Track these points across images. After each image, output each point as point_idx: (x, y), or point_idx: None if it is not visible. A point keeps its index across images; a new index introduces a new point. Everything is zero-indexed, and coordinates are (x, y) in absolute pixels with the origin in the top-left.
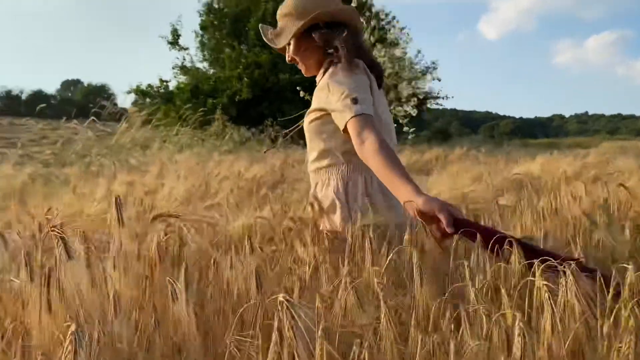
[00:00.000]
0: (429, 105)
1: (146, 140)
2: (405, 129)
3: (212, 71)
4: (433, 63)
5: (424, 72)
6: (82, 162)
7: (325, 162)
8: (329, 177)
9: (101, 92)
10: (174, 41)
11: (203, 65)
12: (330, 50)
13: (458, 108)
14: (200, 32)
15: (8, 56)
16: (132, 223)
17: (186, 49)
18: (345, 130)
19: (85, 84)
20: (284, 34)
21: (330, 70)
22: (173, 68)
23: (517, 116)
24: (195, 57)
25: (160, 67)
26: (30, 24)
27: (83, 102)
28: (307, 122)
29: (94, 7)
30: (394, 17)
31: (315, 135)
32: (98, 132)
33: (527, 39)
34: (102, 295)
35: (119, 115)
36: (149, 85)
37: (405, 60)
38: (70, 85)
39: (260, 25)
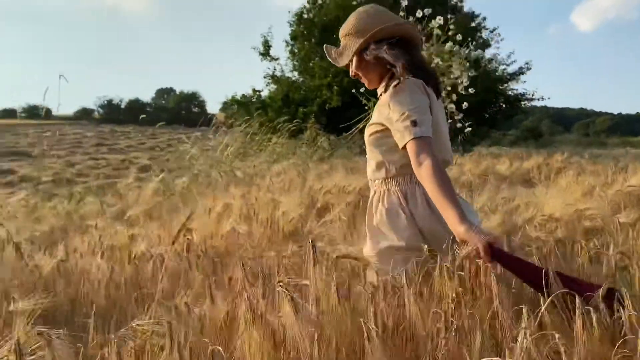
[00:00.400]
0: (522, 105)
1: (243, 149)
2: (459, 125)
3: (301, 80)
4: (527, 63)
5: (517, 73)
6: (190, 173)
7: (383, 174)
8: (388, 188)
9: (192, 99)
10: (265, 52)
11: (293, 74)
12: (389, 66)
13: (549, 105)
14: (291, 42)
15: (109, 66)
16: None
17: (277, 59)
18: (404, 148)
19: (178, 92)
20: (345, 52)
21: (391, 88)
22: (264, 77)
23: (616, 112)
24: (285, 67)
25: (248, 74)
26: (127, 36)
27: (176, 109)
28: (368, 134)
29: (184, 18)
30: (484, 18)
31: (375, 147)
32: (197, 139)
33: (626, 29)
34: (305, 334)
35: (213, 122)
36: (243, 96)
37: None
38: (163, 93)
39: (324, 45)
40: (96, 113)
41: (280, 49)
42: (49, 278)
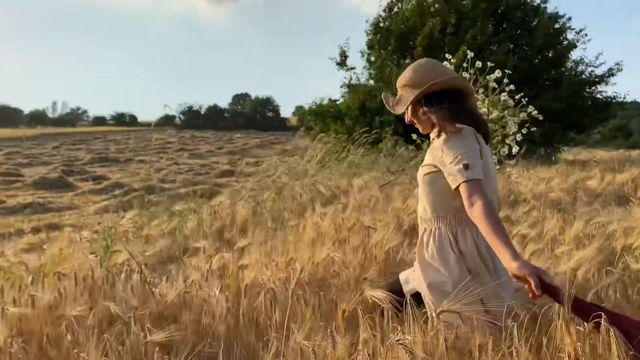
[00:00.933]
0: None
1: (322, 160)
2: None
3: (378, 87)
4: (617, 64)
5: (606, 75)
6: (274, 187)
7: (435, 213)
8: (439, 227)
9: (267, 104)
10: (342, 62)
11: (369, 83)
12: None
13: None
14: (367, 51)
15: (189, 74)
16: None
17: (353, 68)
18: (456, 189)
19: (253, 97)
20: (402, 102)
21: (444, 134)
22: (341, 87)
23: None
24: (361, 75)
25: (319, 74)
26: (203, 42)
27: (251, 113)
28: (422, 174)
29: (255, 23)
30: (569, 19)
31: (428, 187)
32: (275, 148)
33: None
34: None
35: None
36: (320, 105)
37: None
38: (239, 98)
39: (383, 94)
40: (178, 119)
41: (355, 57)
42: (173, 307)
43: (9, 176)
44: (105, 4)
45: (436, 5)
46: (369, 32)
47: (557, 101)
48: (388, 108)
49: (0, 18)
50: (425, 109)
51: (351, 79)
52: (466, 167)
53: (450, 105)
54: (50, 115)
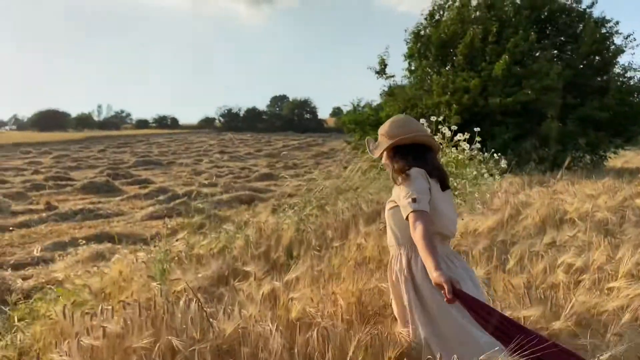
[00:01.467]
0: None
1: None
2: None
3: (419, 94)
4: None
5: None
6: (315, 201)
7: (397, 241)
8: (400, 253)
9: (304, 106)
10: (382, 70)
11: (411, 90)
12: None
13: None
14: (408, 59)
15: (228, 76)
16: None
17: (392, 76)
18: (407, 218)
19: (291, 99)
20: (379, 148)
21: (403, 175)
22: (380, 95)
23: None
24: (400, 83)
25: (354, 74)
26: (243, 47)
27: (289, 115)
28: (387, 209)
29: (295, 27)
30: (617, 23)
31: (391, 220)
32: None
33: None
34: None
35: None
36: (359, 112)
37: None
38: (277, 100)
39: (366, 138)
40: (217, 121)
41: (394, 63)
42: (230, 340)
43: (59, 180)
44: (147, 7)
45: (477, 13)
46: (408, 41)
47: (603, 110)
48: (368, 151)
49: (46, 24)
50: (392, 154)
51: (390, 86)
52: (414, 200)
53: (412, 154)
54: (95, 118)
